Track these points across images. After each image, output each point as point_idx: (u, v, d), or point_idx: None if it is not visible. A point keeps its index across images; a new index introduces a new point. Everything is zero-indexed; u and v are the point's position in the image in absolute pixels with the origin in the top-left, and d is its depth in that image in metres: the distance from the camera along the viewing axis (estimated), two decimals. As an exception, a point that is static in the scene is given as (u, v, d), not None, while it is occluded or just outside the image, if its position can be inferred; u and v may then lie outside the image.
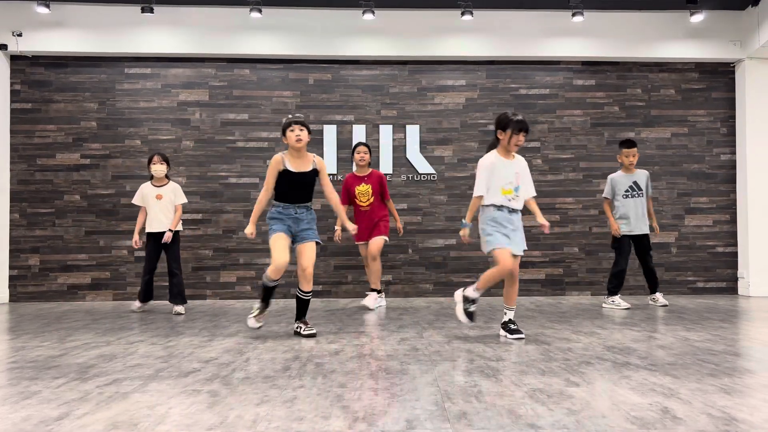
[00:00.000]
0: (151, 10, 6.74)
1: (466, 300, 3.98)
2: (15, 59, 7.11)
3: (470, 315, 3.98)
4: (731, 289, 7.33)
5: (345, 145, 7.17)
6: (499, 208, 3.91)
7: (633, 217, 5.86)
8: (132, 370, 3.06)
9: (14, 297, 6.98)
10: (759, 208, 7.18)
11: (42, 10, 6.70)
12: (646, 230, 5.89)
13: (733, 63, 7.43)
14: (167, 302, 6.19)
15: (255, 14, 6.84)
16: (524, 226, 4.12)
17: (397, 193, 7.12)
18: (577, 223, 7.32)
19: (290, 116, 4.21)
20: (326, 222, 6.87)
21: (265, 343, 3.84)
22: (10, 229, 7.01)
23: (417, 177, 7.25)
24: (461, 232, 4.08)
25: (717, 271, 7.37)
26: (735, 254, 7.37)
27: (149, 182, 5.85)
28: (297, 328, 4.20)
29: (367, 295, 5.94)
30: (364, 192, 5.88)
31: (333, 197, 4.37)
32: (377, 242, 5.79)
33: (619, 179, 5.98)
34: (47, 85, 7.14)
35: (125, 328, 4.63)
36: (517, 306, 5.60)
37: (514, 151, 4.01)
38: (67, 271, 7.03)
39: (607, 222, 6.10)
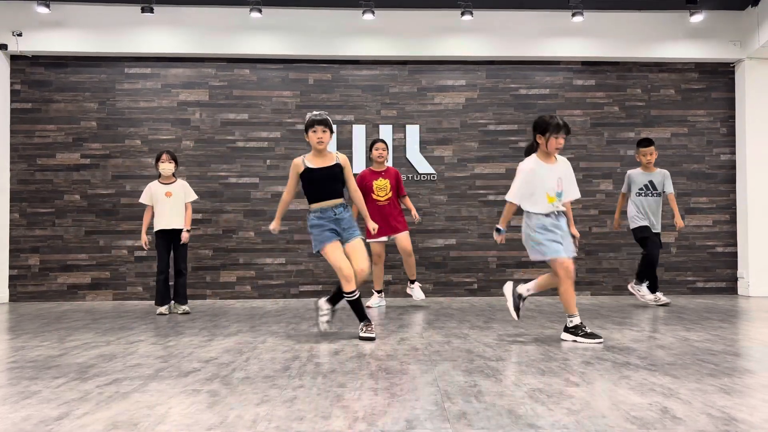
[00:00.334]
0: (151, 10, 6.74)
1: (519, 297, 4.16)
2: (15, 59, 7.12)
3: (518, 311, 4.18)
4: (731, 289, 7.33)
5: (345, 145, 7.17)
6: (547, 214, 3.86)
7: (644, 215, 5.95)
8: (132, 369, 3.06)
9: (14, 297, 6.98)
10: (759, 208, 7.18)
11: (42, 10, 6.70)
12: (657, 229, 5.96)
13: (732, 63, 7.43)
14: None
15: (255, 14, 6.84)
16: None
17: (397, 193, 7.13)
18: (577, 223, 7.29)
19: (314, 114, 4.07)
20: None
21: (265, 343, 3.84)
22: (10, 229, 7.02)
23: (417, 177, 7.26)
24: (497, 238, 4.07)
25: (717, 271, 7.37)
26: (735, 254, 7.37)
27: (156, 180, 5.79)
28: (359, 330, 4.05)
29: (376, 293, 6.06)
30: (382, 186, 5.88)
31: (357, 196, 4.30)
32: (406, 238, 5.83)
33: (636, 177, 6.03)
34: (47, 85, 7.14)
35: (125, 328, 4.63)
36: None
37: (555, 154, 3.92)
38: (67, 271, 7.02)
39: (610, 220, 6.10)
